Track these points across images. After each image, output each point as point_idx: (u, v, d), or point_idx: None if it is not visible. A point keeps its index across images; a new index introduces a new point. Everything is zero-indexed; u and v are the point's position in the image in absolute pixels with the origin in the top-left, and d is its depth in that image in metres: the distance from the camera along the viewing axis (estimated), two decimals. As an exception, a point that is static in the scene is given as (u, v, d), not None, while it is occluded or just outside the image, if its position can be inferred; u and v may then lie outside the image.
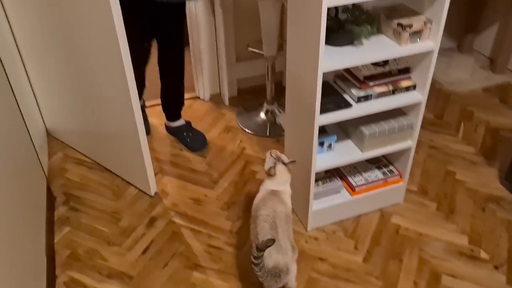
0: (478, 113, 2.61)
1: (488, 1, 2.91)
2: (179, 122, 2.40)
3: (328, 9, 1.40)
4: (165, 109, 2.40)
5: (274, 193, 1.60)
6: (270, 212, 1.52)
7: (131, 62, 1.70)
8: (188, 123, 2.43)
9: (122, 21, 1.60)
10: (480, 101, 2.71)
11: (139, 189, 2.12)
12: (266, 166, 1.64)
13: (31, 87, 2.27)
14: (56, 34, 1.91)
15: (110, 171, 2.21)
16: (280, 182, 1.63)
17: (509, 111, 2.62)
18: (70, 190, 2.12)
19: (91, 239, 1.88)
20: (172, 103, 2.38)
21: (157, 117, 2.52)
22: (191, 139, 2.37)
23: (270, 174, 1.62)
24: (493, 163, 2.25)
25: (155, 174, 2.15)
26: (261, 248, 1.38)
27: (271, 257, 1.43)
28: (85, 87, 1.99)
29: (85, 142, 2.27)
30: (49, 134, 2.44)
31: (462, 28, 3.08)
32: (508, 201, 2.03)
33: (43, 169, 2.03)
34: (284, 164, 1.65)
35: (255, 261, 1.41)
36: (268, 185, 1.64)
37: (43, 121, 2.41)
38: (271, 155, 1.66)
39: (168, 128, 2.45)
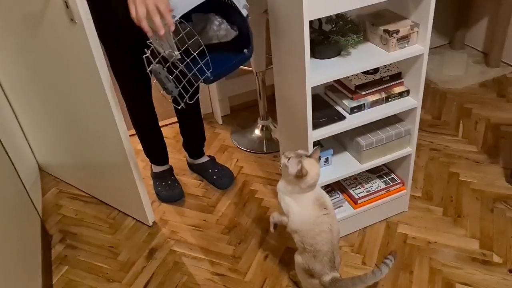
0: (477, 110, 2.55)
1: (476, -5, 2.87)
2: (203, 159, 2.28)
3: (311, 21, 1.36)
4: (186, 147, 2.26)
5: (320, 204, 1.45)
6: (328, 247, 1.44)
7: (113, 91, 1.66)
8: (212, 159, 2.31)
9: (102, 52, 1.56)
10: (477, 97, 2.66)
11: (137, 220, 2.06)
12: (292, 170, 1.38)
13: (20, 125, 2.23)
14: (40, 71, 1.87)
15: (106, 204, 2.16)
16: (316, 179, 1.42)
17: (508, 105, 2.57)
18: (66, 227, 2.06)
19: (90, 277, 1.82)
20: (194, 140, 2.22)
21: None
22: (217, 176, 2.22)
23: (302, 175, 1.38)
24: (497, 161, 2.18)
25: (152, 203, 2.10)
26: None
27: (328, 275, 1.46)
28: (72, 120, 1.94)
29: (78, 176, 2.23)
30: (42, 170, 2.39)
31: (452, 24, 3.04)
32: (516, 199, 1.97)
33: (35, 208, 1.97)
34: (309, 156, 1.42)
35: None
36: (303, 191, 1.42)
37: (35, 158, 2.37)
38: (288, 157, 1.42)
39: (191, 166, 2.31)
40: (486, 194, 2.01)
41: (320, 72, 1.48)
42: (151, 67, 1.25)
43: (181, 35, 1.22)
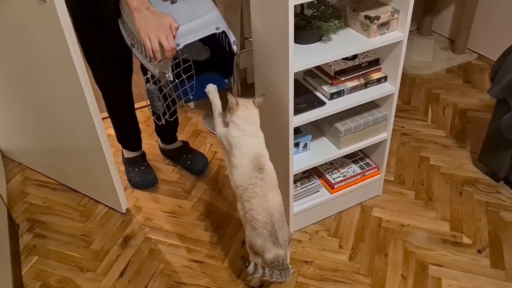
0: (444, 95, 2.62)
1: (444, -18, 2.92)
2: (176, 144, 2.22)
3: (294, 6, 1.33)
4: (159, 132, 2.20)
5: (256, 164, 1.40)
6: (266, 217, 1.39)
7: (85, 74, 1.58)
8: (185, 144, 2.25)
9: (74, 33, 1.48)
10: (444, 83, 2.73)
11: (109, 207, 2.00)
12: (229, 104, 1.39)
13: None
14: (4, 52, 1.76)
15: (75, 191, 2.09)
16: (250, 120, 1.40)
17: (474, 90, 2.65)
18: (34, 216, 1.98)
19: (62, 267, 1.76)
20: (167, 124, 2.08)
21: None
22: (191, 161, 2.17)
23: (232, 106, 1.38)
24: (465, 145, 2.26)
25: (125, 189, 2.04)
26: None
27: (270, 252, 1.41)
28: (40, 103, 1.85)
29: (45, 162, 2.13)
30: (4, 156, 2.28)
31: (420, 11, 3.09)
32: (483, 182, 2.05)
33: (1, 196, 1.88)
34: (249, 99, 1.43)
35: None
36: (240, 133, 1.39)
37: (-4, 143, 2.25)
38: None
39: (164, 151, 2.26)
40: (455, 178, 2.08)
41: (302, 57, 1.46)
42: (147, 86, 1.39)
43: (178, 59, 1.36)
